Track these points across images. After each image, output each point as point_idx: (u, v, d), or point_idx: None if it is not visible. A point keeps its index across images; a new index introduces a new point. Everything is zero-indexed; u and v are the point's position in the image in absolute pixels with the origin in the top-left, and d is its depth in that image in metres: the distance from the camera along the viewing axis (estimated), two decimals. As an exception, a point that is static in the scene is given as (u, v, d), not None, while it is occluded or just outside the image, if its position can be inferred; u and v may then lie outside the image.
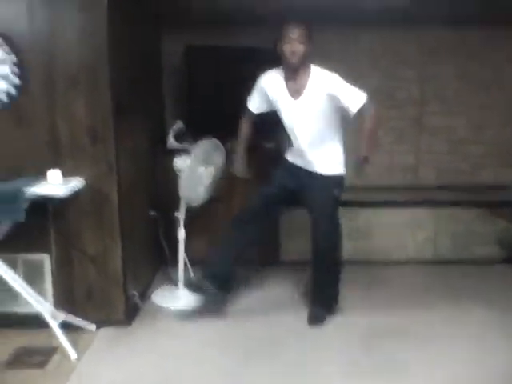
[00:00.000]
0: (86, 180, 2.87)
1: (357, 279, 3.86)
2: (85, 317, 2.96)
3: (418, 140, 4.54)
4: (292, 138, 3.03)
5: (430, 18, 4.13)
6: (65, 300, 2.97)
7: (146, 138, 3.68)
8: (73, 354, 2.71)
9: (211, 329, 3.08)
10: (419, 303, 3.45)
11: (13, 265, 2.83)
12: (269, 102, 3.02)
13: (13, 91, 2.79)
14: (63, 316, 2.82)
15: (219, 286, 3.13)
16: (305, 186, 3.04)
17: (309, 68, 2.87)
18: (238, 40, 4.05)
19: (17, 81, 2.78)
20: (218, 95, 4.09)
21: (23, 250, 2.90)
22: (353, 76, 4.30)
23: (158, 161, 3.84)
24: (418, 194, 4.37)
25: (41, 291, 2.89)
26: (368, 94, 4.29)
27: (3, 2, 2.73)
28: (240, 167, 3.23)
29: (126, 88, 3.10)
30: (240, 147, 3.21)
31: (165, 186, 3.71)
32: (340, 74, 4.24)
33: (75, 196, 2.82)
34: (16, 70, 2.76)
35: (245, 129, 3.19)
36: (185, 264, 3.48)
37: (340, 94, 2.83)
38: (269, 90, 2.97)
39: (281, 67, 2.94)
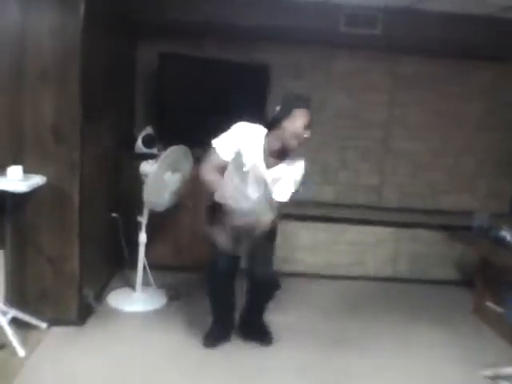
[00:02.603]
0: (47, 178, 2.85)
1: (316, 293, 3.93)
2: (37, 315, 2.93)
3: (383, 162, 4.66)
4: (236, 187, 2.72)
5: (402, 48, 4.29)
6: (17, 296, 2.93)
7: (113, 141, 3.69)
8: (21, 351, 2.67)
9: (164, 336, 3.08)
10: (374, 318, 3.54)
11: (-35, 258, 2.79)
12: (236, 152, 2.71)
13: (-21, 83, 2.77)
14: (13, 312, 2.79)
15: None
16: None
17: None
18: (211, 52, 4.13)
19: (-17, 73, 2.76)
20: (189, 103, 4.14)
21: (-23, 243, 2.87)
22: (322, 96, 4.48)
23: (124, 164, 3.85)
24: (379, 214, 4.47)
25: (-8, 286, 2.85)
26: (335, 114, 4.48)
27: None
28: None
29: (97, 89, 3.11)
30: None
31: (129, 190, 3.72)
32: (311, 92, 4.42)
33: (35, 194, 2.81)
34: (-16, 62, 2.75)
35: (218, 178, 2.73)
36: (144, 268, 3.48)
37: (289, 183, 2.76)
38: (245, 144, 2.69)
39: (265, 131, 2.74)
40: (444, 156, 4.64)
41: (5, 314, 2.75)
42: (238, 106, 3.93)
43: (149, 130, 4.03)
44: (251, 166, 2.71)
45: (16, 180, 2.68)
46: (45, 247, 2.93)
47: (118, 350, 2.86)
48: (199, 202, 3.92)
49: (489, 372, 2.88)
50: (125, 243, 3.62)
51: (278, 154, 2.74)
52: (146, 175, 3.30)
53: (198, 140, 3.92)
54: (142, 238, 3.44)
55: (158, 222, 3.67)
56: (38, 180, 2.79)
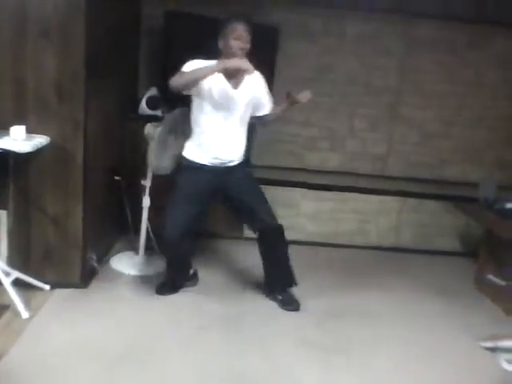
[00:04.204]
0: (51, 138, 2.79)
1: (319, 261, 3.93)
2: (40, 277, 2.93)
3: (391, 129, 4.57)
4: (214, 128, 2.85)
5: (416, 10, 4.14)
6: (20, 258, 2.92)
7: (117, 101, 3.59)
8: (24, 312, 2.68)
9: (167, 299, 3.08)
10: (376, 287, 3.54)
11: (-33, 218, 2.77)
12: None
13: (-21, 38, 2.67)
14: (16, 274, 2.78)
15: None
16: (228, 185, 2.95)
17: None
18: (219, 12, 3.96)
19: (-16, 27, 2.66)
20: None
21: (-21, 203, 2.83)
22: (333, 60, 4.37)
23: (127, 126, 3.77)
24: (384, 183, 4.43)
25: (-5, 247, 2.84)
26: (345, 79, 4.37)
27: None
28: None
29: (100, 48, 3.00)
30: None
31: (132, 152, 3.66)
32: (319, 56, 4.32)
33: (39, 154, 2.75)
34: (-17, 16, 2.64)
35: None
36: (147, 232, 3.46)
37: (264, 95, 2.98)
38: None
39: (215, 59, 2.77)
40: (455, 125, 4.52)
41: (8, 275, 2.74)
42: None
43: (153, 92, 3.93)
44: (217, 89, 2.78)
45: (19, 140, 2.63)
46: (48, 208, 2.90)
47: (120, 312, 2.87)
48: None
49: (488, 343, 2.90)
50: (128, 207, 3.58)
51: (235, 70, 2.76)
52: (149, 138, 3.23)
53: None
54: (146, 201, 3.40)
55: (162, 186, 3.62)
56: (41, 140, 2.73)
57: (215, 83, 2.78)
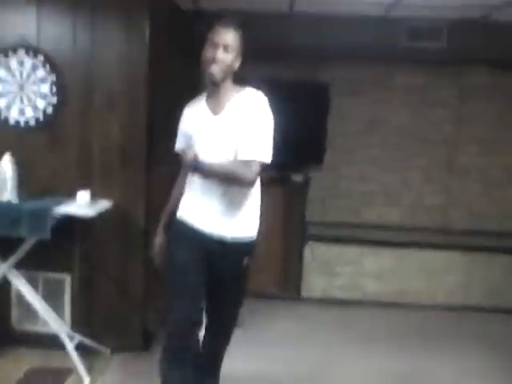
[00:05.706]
0: (113, 201, 2.87)
1: (381, 322, 3.74)
2: (101, 339, 2.92)
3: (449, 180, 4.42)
4: (198, 183, 2.16)
5: (470, 59, 4.10)
6: (82, 321, 2.94)
7: (177, 162, 3.67)
8: (86, 377, 2.65)
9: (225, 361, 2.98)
10: (449, 352, 3.28)
11: (34, 282, 2.83)
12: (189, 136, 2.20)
13: (50, 110, 2.84)
14: (79, 337, 2.78)
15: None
16: (212, 260, 2.14)
17: (238, 86, 2.13)
18: (270, 71, 4.04)
19: (54, 100, 2.83)
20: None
21: (45, 268, 2.90)
22: (384, 113, 4.34)
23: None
24: (447, 237, 4.24)
25: (59, 311, 2.87)
26: (396, 131, 4.31)
27: (48, 22, 2.82)
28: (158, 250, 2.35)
29: (162, 112, 3.12)
30: (166, 219, 2.33)
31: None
32: (371, 109, 4.30)
33: (102, 217, 2.81)
34: (55, 89, 2.82)
35: (179, 189, 2.35)
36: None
37: (250, 127, 2.03)
38: (188, 117, 2.23)
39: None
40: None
41: (71, 338, 2.74)
42: (298, 125, 3.86)
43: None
44: (196, 119, 2.15)
45: (84, 204, 2.70)
46: (110, 271, 2.95)
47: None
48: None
49: None
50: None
51: (216, 90, 2.10)
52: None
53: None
54: (204, 262, 3.38)
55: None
56: (104, 204, 2.81)
57: (197, 114, 2.18)
